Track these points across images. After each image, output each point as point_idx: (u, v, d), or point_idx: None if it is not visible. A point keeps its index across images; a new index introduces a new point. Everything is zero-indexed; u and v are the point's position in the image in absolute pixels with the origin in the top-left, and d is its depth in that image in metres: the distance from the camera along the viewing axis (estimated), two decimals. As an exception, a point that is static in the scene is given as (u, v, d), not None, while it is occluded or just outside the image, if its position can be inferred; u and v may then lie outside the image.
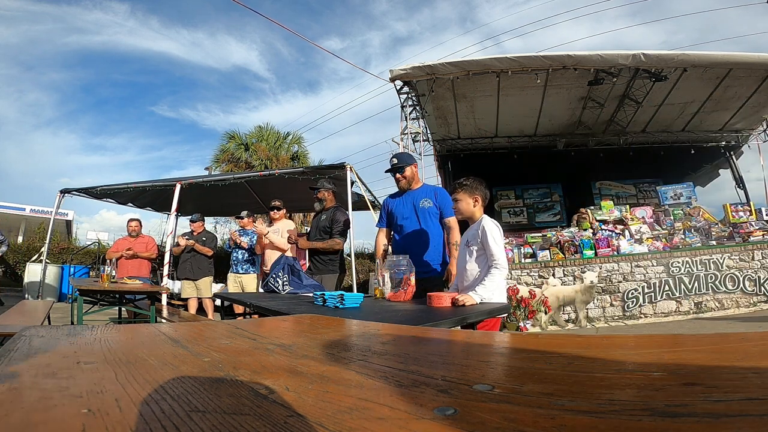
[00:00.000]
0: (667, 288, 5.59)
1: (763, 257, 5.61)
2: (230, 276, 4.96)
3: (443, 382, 0.40)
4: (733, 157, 8.59)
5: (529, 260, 6.06)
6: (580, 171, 8.68)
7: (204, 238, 5.25)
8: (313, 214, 3.90)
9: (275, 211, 4.32)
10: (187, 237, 5.23)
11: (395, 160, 2.73)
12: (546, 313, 5.01)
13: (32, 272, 8.51)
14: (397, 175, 2.73)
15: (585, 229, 6.38)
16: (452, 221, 2.58)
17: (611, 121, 8.01)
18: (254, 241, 4.71)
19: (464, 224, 2.27)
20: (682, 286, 5.58)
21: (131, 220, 5.27)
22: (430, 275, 2.51)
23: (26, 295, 8.23)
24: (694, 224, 6.38)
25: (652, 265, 5.66)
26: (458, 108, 7.50)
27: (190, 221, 5.38)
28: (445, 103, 7.33)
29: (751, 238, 5.87)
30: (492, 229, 2.02)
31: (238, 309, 4.79)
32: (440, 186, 8.60)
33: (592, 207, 7.09)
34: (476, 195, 2.14)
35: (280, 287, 2.60)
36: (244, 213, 5.05)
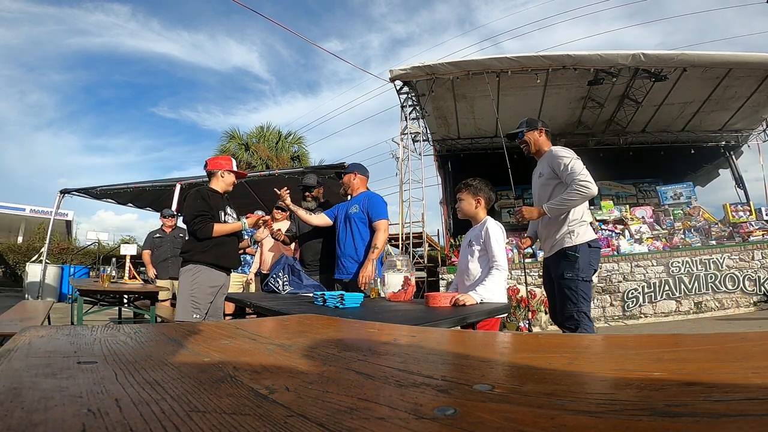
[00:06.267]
0: (667, 288, 5.59)
1: (763, 257, 5.61)
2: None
3: (443, 382, 0.40)
4: (733, 157, 8.59)
5: (529, 260, 6.06)
6: (580, 171, 8.67)
7: (181, 235, 5.06)
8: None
9: (280, 211, 4.13)
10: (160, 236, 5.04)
11: (346, 167, 2.98)
12: (546, 313, 5.01)
13: (32, 272, 8.50)
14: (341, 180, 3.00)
15: (585, 229, 6.37)
16: (380, 224, 2.62)
17: (611, 121, 8.01)
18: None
19: (467, 224, 2.27)
20: (682, 286, 5.58)
21: None
22: (350, 278, 2.63)
23: (26, 296, 8.24)
24: (694, 224, 6.38)
25: (652, 265, 5.66)
26: (458, 108, 7.49)
27: (162, 216, 5.14)
28: (444, 103, 7.32)
29: (751, 238, 5.87)
30: (495, 231, 2.04)
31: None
32: (446, 185, 8.65)
33: (592, 207, 7.09)
34: (479, 196, 2.15)
35: (280, 287, 2.60)
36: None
